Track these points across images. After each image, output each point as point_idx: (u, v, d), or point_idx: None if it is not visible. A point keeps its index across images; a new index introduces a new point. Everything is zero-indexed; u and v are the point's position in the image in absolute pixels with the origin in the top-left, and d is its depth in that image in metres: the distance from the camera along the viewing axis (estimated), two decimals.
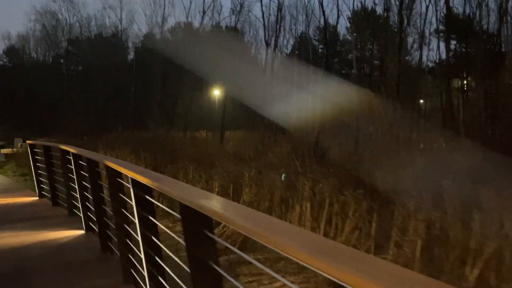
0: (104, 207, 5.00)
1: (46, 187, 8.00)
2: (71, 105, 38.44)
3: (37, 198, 8.26)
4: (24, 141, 28.12)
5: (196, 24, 42.64)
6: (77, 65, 48.41)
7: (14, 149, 23.18)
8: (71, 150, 5.95)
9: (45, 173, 7.79)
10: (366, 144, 12.17)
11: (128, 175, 3.01)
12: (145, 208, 2.98)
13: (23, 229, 5.72)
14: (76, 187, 6.11)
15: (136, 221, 3.09)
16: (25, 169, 15.79)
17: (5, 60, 56.03)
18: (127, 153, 11.34)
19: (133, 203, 3.09)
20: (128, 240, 3.87)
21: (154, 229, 2.99)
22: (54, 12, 46.45)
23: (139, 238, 3.18)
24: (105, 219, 4.97)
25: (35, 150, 8.48)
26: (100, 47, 44.31)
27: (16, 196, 8.48)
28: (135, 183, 2.92)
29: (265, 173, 7.30)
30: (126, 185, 3.83)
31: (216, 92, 29.25)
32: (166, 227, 3.24)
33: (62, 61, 50.02)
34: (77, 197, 6.12)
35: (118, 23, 45.49)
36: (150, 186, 2.54)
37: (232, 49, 34.14)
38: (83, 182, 5.82)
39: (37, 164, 8.41)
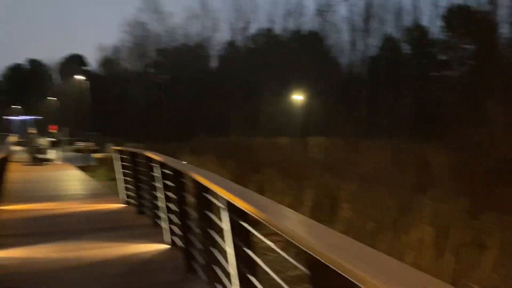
0: (190, 223, 4.50)
1: (132, 194, 7.84)
2: (158, 112, 40.12)
3: (123, 205, 8.14)
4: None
5: (277, 29, 42.53)
6: (165, 73, 50.68)
7: (106, 154, 24.39)
8: (156, 157, 5.58)
9: (131, 180, 7.62)
10: (481, 153, 10.37)
11: (223, 196, 2.39)
12: (242, 237, 2.33)
13: (107, 240, 5.45)
14: (161, 196, 5.75)
15: (229, 249, 2.47)
16: (114, 174, 16.32)
17: (100, 70, 60.54)
18: (211, 160, 11.03)
19: (226, 227, 2.47)
20: (217, 267, 3.28)
21: (252, 265, 2.33)
22: (144, 23, 49.14)
23: (232, 270, 2.55)
24: (190, 236, 4.47)
25: (122, 156, 8.39)
26: (185, 56, 45.92)
27: (103, 202, 8.45)
28: (231, 206, 2.29)
29: (366, 187, 6.39)
30: (217, 203, 3.26)
31: (298, 97, 28.58)
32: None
33: (151, 70, 52.69)
34: (162, 207, 5.77)
35: (202, 32, 46.80)
36: (254, 216, 1.87)
37: (313, 54, 33.36)
38: (168, 193, 5.43)
39: (124, 170, 8.32)
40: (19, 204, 8.06)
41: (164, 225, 5.53)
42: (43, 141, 15.89)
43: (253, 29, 44.84)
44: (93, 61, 65.60)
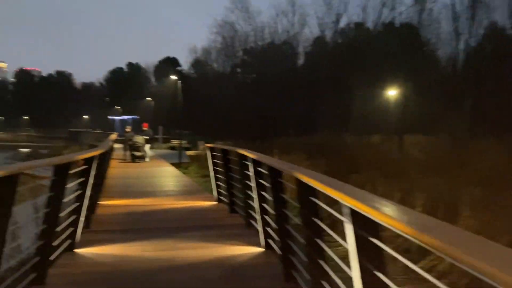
0: (289, 227, 4.09)
1: (224, 192, 7.68)
2: (245, 111, 40.65)
3: (215, 202, 8.02)
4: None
5: (369, 22, 40.80)
6: (250, 73, 51.30)
7: (197, 151, 25.14)
8: (250, 155, 5.26)
9: (223, 177, 7.45)
10: None
11: (345, 203, 1.90)
12: (372, 257, 1.82)
13: (201, 239, 5.25)
14: (254, 196, 5.45)
15: (355, 271, 1.95)
16: (206, 171, 16.59)
17: (191, 71, 63.21)
18: (300, 158, 10.49)
19: (350, 244, 1.96)
20: (327, 284, 2.81)
21: None
22: (232, 22, 50.13)
23: None
24: (289, 241, 4.05)
25: (213, 153, 8.28)
26: (272, 54, 46.00)
27: (196, 199, 8.41)
28: (358, 217, 1.80)
29: (488, 192, 5.46)
30: (328, 209, 2.79)
31: (391, 93, 27.00)
32: None
33: (238, 70, 53.73)
34: (256, 208, 5.45)
35: (289, 28, 46.43)
36: (408, 235, 1.35)
37: (409, 46, 31.31)
38: (263, 192, 5.08)
39: (216, 167, 8.20)
40: (117, 199, 8.30)
41: (259, 226, 5.21)
42: (139, 138, 16.62)
43: (342, 23, 43.42)
44: (185, 63, 68.82)
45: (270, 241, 4.92)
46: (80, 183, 4.82)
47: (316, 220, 2.87)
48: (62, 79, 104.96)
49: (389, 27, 38.36)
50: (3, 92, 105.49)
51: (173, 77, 36.50)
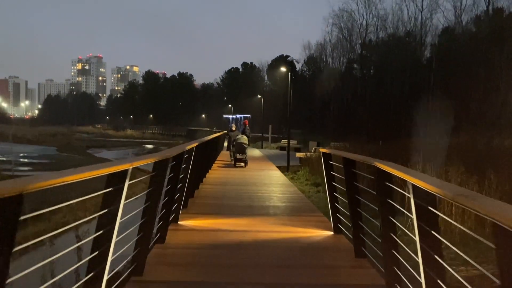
0: None
1: (347, 221, 5.27)
2: (364, 109, 37.34)
3: (332, 233, 5.64)
4: (318, 145, 28.16)
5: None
6: (369, 68, 47.39)
7: (308, 153, 22.80)
8: (407, 177, 2.80)
9: (346, 200, 5.02)
10: None
11: None
12: None
13: None
14: (416, 253, 3.02)
15: None
16: (318, 178, 14.26)
17: (305, 68, 61.15)
18: (460, 172, 7.46)
19: None
20: None
21: None
22: (351, 11, 46.75)
23: None
24: None
25: (330, 162, 5.84)
26: (393, 47, 41.79)
27: (304, 225, 6.14)
28: None
29: None
30: None
31: None
32: None
33: (355, 66, 50.15)
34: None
35: (418, 14, 41.38)
36: None
37: None
38: (428, 240, 2.62)
39: (333, 183, 5.78)
40: (204, 217, 6.39)
41: None
42: (244, 139, 14.76)
43: (478, 10, 37.44)
44: (299, 60, 67.03)
45: None
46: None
47: None
48: (183, 80, 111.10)
49: None
50: (134, 93, 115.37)
51: (283, 69, 34.58)
